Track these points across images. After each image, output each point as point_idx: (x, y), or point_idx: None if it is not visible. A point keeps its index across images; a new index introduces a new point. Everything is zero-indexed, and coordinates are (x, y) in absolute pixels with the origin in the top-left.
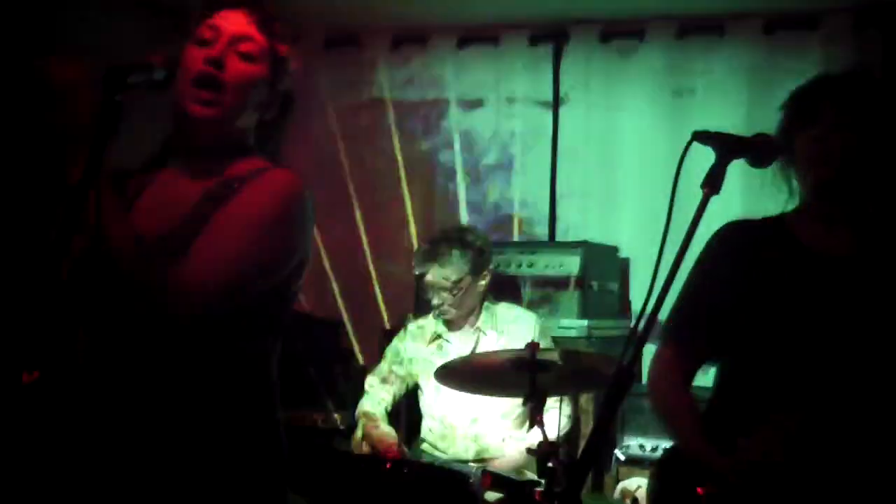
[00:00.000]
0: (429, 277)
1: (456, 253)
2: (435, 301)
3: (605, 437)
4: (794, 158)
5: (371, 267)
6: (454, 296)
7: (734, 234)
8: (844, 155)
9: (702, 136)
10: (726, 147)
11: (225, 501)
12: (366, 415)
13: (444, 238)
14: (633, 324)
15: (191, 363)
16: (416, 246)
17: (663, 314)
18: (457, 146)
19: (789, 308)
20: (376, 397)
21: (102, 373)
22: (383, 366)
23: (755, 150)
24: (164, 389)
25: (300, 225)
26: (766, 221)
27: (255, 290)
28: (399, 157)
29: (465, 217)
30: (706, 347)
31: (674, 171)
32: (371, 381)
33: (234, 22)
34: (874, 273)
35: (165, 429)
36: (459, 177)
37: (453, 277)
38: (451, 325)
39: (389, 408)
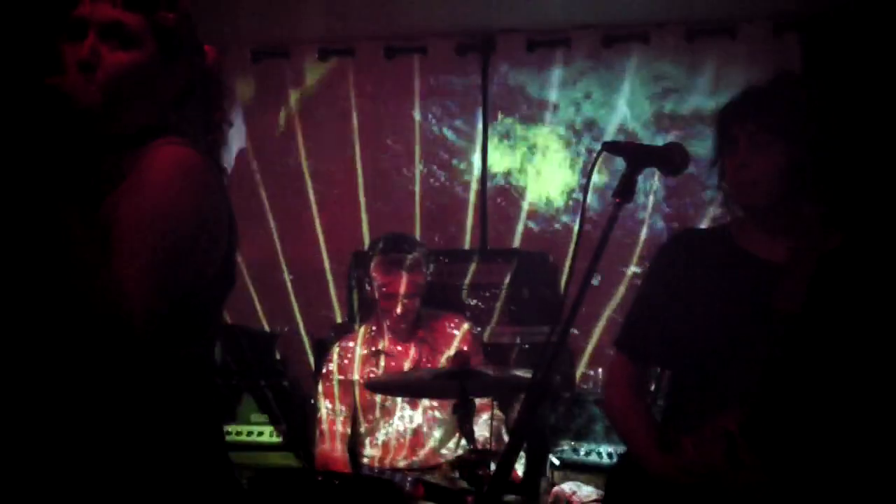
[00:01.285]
0: (394, 287)
1: (420, 258)
2: (398, 310)
3: (521, 442)
4: (723, 177)
5: (287, 279)
6: (416, 303)
7: (680, 243)
8: (766, 178)
9: (611, 147)
10: (636, 156)
11: None
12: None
13: (398, 245)
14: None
15: (127, 375)
16: (326, 259)
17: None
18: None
19: (729, 312)
20: (333, 444)
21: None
22: (329, 405)
23: (666, 159)
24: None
25: (204, 197)
26: (713, 230)
27: (186, 280)
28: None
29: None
30: (656, 354)
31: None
32: (323, 428)
33: (99, 7)
34: (806, 278)
35: (96, 442)
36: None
37: (421, 282)
38: (397, 336)
39: (349, 442)
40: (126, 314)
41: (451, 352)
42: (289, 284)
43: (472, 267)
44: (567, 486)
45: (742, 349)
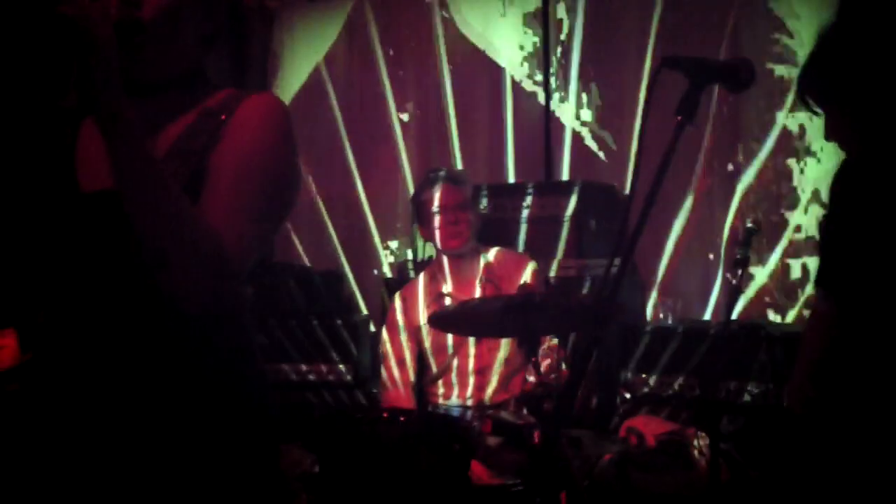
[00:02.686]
0: (440, 199)
1: (460, 174)
2: (451, 226)
3: (585, 367)
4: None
5: (369, 217)
6: (468, 215)
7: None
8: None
9: (671, 62)
10: (698, 72)
11: (208, 464)
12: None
13: (433, 170)
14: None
15: (180, 321)
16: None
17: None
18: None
19: None
20: (400, 390)
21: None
22: (395, 350)
23: (731, 73)
24: (148, 353)
25: (295, 147)
26: None
27: (275, 230)
28: (392, 105)
29: (458, 161)
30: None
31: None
32: (390, 375)
33: None
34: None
35: (147, 397)
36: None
37: (467, 194)
38: (459, 274)
39: (415, 389)
40: (225, 260)
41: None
42: (371, 223)
43: (533, 200)
44: (639, 419)
45: None
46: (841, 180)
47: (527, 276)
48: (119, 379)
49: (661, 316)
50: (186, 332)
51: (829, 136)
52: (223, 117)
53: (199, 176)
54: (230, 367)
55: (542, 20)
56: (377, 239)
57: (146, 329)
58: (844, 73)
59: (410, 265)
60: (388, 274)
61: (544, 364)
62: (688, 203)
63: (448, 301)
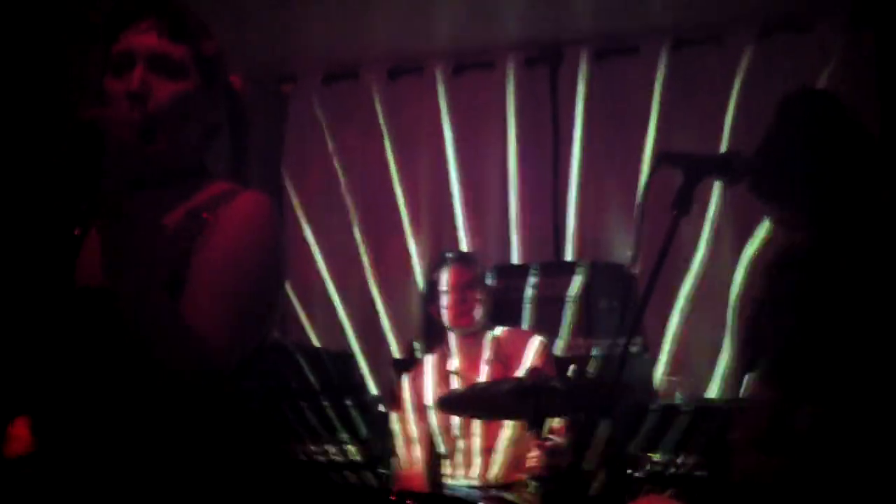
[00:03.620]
0: (449, 279)
1: (469, 256)
2: (459, 305)
3: (587, 447)
4: None
5: (378, 298)
6: (477, 294)
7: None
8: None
9: (668, 158)
10: (694, 168)
11: None
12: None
13: (449, 251)
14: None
15: (175, 406)
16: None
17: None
18: (453, 173)
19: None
20: (411, 469)
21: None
22: (407, 428)
23: (726, 168)
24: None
25: (281, 246)
26: None
27: (260, 329)
28: (398, 188)
29: (465, 242)
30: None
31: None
32: (402, 454)
33: (145, 39)
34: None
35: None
36: (458, 204)
37: (476, 273)
38: (467, 352)
39: (427, 467)
40: (209, 361)
41: (525, 367)
42: (379, 304)
43: (540, 280)
44: (647, 500)
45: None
46: (782, 264)
47: (534, 351)
48: (115, 453)
49: (669, 394)
50: (183, 414)
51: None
52: (207, 217)
53: (179, 277)
54: (230, 446)
55: (549, 97)
56: (386, 321)
57: (143, 406)
58: (788, 171)
59: (416, 345)
60: (397, 355)
61: (552, 443)
62: (691, 279)
63: (456, 378)
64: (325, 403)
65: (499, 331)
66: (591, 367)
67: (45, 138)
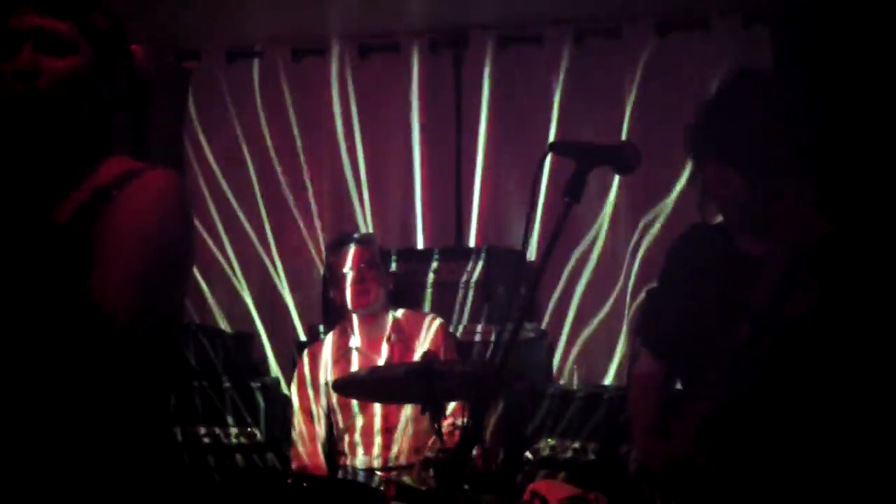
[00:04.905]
0: (349, 261)
1: (368, 237)
2: (358, 285)
3: (475, 438)
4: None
5: (281, 278)
6: (376, 274)
7: (689, 240)
8: (736, 200)
9: (559, 147)
10: (586, 156)
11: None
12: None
13: (348, 233)
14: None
15: (83, 380)
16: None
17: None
18: (356, 155)
19: (713, 308)
20: (308, 446)
21: None
22: (302, 406)
23: (617, 157)
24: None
25: (190, 222)
26: (719, 225)
27: (167, 302)
28: (301, 169)
29: (369, 226)
30: (669, 350)
31: None
32: (299, 430)
33: (28, 20)
34: (784, 271)
35: (48, 446)
36: (360, 187)
37: (374, 254)
38: (367, 332)
39: (325, 443)
40: (112, 328)
41: (425, 347)
42: (279, 284)
43: (441, 265)
44: (542, 484)
45: (718, 343)
46: (683, 247)
47: (433, 332)
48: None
49: (565, 379)
50: (89, 386)
51: (710, 193)
52: (114, 195)
53: (84, 254)
54: (131, 426)
55: (454, 83)
56: (290, 301)
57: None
58: (737, 127)
59: (321, 327)
60: (302, 337)
61: (447, 425)
62: (590, 266)
63: (356, 355)
64: (226, 384)
65: (399, 312)
66: (487, 352)
67: None
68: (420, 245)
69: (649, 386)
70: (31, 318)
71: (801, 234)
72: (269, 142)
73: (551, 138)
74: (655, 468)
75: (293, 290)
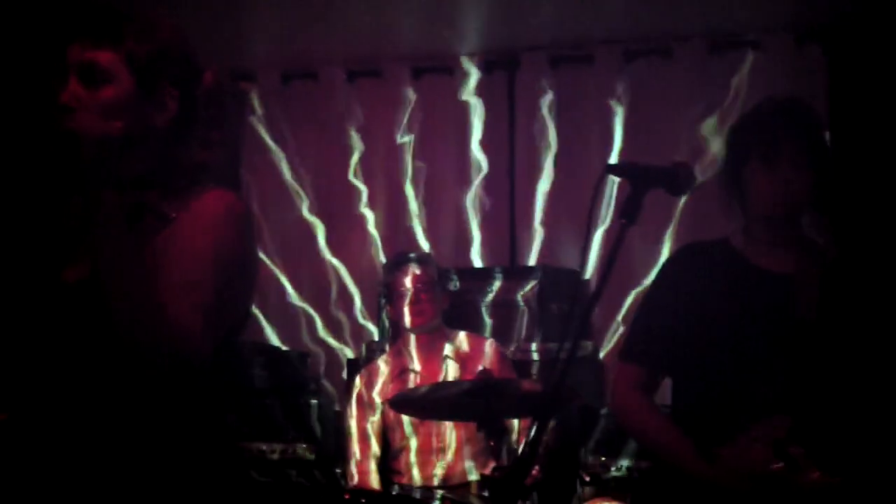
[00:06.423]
0: (407, 281)
1: (426, 257)
2: (415, 305)
3: (533, 456)
4: (739, 187)
5: (337, 296)
6: (433, 294)
7: (687, 257)
8: (804, 196)
9: (615, 169)
10: (641, 178)
11: None
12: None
13: (401, 252)
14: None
15: (151, 397)
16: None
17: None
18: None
19: (746, 324)
20: (363, 465)
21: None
22: (358, 425)
23: (672, 179)
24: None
25: (252, 242)
26: (714, 243)
27: (235, 315)
28: (361, 187)
29: (425, 245)
30: (665, 366)
31: None
32: (354, 449)
33: (74, 51)
34: (817, 287)
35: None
36: (416, 206)
37: (432, 274)
38: (423, 351)
39: (380, 463)
40: (185, 348)
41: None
42: (333, 302)
43: (497, 284)
44: (596, 502)
45: (768, 360)
46: (687, 263)
47: (489, 354)
48: (88, 432)
49: None
50: (153, 403)
51: (760, 194)
52: (174, 215)
53: (148, 273)
54: (195, 439)
55: (507, 103)
56: (344, 319)
57: (114, 395)
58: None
59: (375, 346)
60: (356, 355)
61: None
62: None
63: (413, 377)
64: (281, 402)
65: (456, 334)
66: (543, 371)
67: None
68: (478, 264)
69: (650, 404)
70: (110, 335)
71: (821, 252)
72: (324, 161)
73: (605, 157)
74: (736, 486)
75: (348, 309)
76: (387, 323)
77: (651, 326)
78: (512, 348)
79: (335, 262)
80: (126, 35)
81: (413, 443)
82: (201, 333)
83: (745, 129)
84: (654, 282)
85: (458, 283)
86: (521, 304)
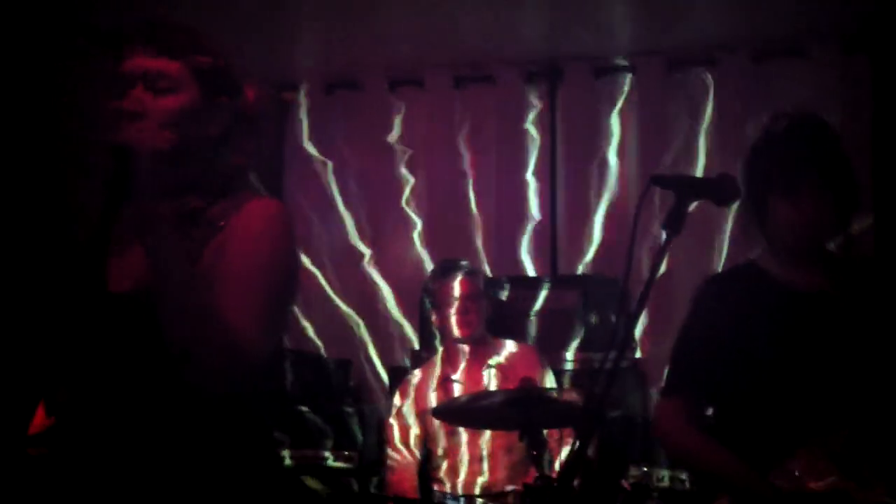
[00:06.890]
0: (455, 290)
1: (473, 268)
2: (463, 315)
3: (578, 466)
4: (760, 215)
5: (380, 303)
6: (480, 304)
7: (717, 287)
8: (821, 222)
9: (660, 180)
10: (685, 189)
11: None
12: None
13: (449, 260)
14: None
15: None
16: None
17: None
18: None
19: (783, 345)
20: (405, 473)
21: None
22: (400, 433)
23: (717, 190)
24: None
25: (295, 250)
26: (740, 269)
27: (285, 319)
28: (400, 196)
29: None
30: (708, 396)
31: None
32: (396, 457)
33: (140, 60)
34: (849, 305)
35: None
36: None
37: (479, 284)
38: (468, 360)
39: (421, 471)
40: (245, 356)
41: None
42: (377, 309)
43: (543, 293)
44: None
45: (813, 378)
46: (722, 289)
47: (531, 363)
48: (137, 447)
49: None
50: (202, 412)
51: (785, 219)
52: (223, 224)
53: (207, 281)
54: (243, 447)
55: (549, 114)
56: (388, 327)
57: (164, 405)
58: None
59: (418, 354)
60: (399, 362)
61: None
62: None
63: (457, 386)
64: (323, 409)
65: (501, 343)
66: (587, 380)
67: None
68: (530, 272)
69: (698, 431)
70: (160, 345)
71: (844, 271)
72: (369, 170)
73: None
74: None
75: (391, 316)
76: (434, 330)
77: (691, 361)
78: (557, 357)
79: (379, 269)
80: (191, 46)
81: (456, 450)
82: (260, 340)
83: (764, 157)
84: (689, 316)
85: (508, 292)
86: (567, 313)
